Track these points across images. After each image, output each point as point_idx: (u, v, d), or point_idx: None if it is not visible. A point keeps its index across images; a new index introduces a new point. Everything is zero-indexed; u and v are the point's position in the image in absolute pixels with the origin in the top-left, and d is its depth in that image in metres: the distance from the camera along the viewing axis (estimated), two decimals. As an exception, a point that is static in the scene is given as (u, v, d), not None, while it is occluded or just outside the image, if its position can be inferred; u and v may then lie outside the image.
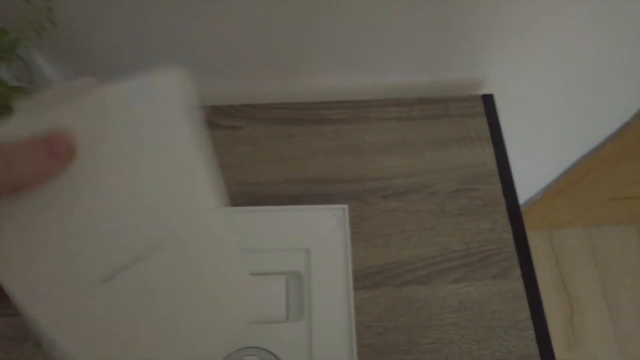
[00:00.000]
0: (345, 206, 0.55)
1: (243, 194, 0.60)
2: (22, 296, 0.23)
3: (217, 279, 0.30)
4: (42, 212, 0.24)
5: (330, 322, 0.51)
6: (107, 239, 0.25)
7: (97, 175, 0.25)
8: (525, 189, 1.22)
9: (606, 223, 1.60)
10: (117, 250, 0.26)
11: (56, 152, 0.23)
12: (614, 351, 1.48)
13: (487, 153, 0.63)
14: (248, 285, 0.32)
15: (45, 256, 0.24)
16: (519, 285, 0.57)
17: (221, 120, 0.64)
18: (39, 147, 0.23)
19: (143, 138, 0.26)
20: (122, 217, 0.26)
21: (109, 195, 0.25)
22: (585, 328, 1.50)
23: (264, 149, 0.63)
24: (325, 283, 0.52)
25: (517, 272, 0.58)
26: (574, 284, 1.55)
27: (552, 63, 0.69)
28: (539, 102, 0.79)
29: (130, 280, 0.26)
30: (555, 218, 1.47)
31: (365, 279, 0.57)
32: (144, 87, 0.26)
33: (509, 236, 0.59)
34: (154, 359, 0.28)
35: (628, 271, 1.56)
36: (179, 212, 0.28)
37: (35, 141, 0.23)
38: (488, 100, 0.66)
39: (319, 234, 0.54)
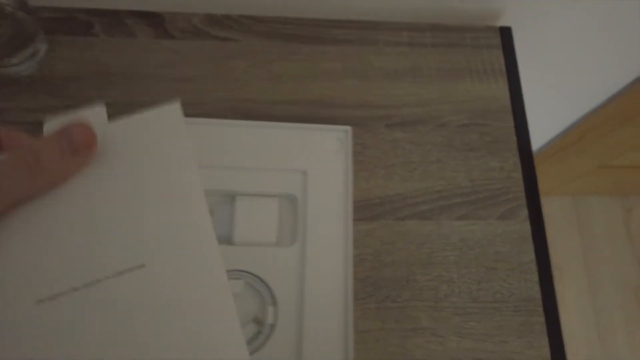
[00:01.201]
0: (349, 128, 0.50)
1: (235, 111, 0.55)
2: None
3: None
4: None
5: (325, 251, 0.47)
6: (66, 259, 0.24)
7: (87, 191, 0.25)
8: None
9: (592, 193, 1.58)
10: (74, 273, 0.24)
11: (77, 144, 0.24)
12: (591, 321, 1.48)
13: (501, 88, 0.59)
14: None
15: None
16: (525, 227, 0.54)
17: (215, 30, 0.58)
18: (62, 140, 0.24)
19: (144, 167, 0.26)
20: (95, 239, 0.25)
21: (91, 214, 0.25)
22: (564, 297, 1.50)
23: (261, 65, 0.58)
24: (321, 209, 0.48)
25: (524, 213, 0.54)
26: (556, 252, 1.55)
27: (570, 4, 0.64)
28: (543, 52, 0.75)
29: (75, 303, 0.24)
30: (543, 184, 1.45)
31: (365, 210, 0.53)
32: (149, 119, 0.27)
33: (518, 175, 0.56)
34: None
35: (609, 243, 1.56)
36: (163, 247, 0.25)
37: (57, 135, 0.24)
38: (506, 33, 0.61)
39: (318, 156, 0.49)
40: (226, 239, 0.47)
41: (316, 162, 0.49)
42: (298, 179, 0.49)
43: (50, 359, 0.23)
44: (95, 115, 0.26)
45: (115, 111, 0.28)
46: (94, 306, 0.24)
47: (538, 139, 1.12)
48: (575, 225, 1.59)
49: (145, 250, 0.25)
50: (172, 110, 0.27)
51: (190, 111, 0.53)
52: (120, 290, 0.24)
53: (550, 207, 1.59)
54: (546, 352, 0.50)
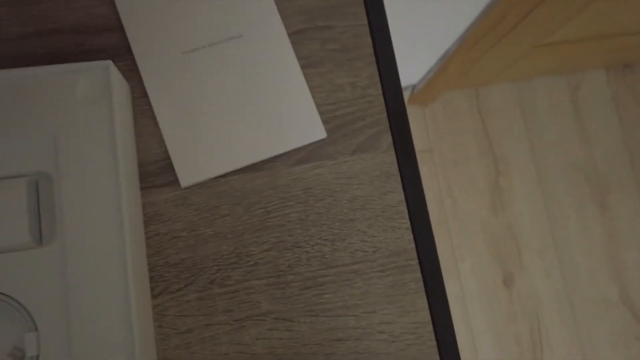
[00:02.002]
0: (109, 62, 0.35)
1: (-26, 61, 0.39)
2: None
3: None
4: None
5: (95, 242, 0.34)
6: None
7: None
8: (437, 41, 1.04)
9: (535, 75, 1.46)
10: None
11: None
12: (540, 211, 1.42)
13: (344, -27, 0.43)
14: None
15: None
16: (388, 158, 0.41)
17: None
18: None
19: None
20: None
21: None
22: (512, 189, 1.42)
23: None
24: (81, 184, 0.34)
25: (387, 140, 0.41)
26: (500, 144, 1.45)
27: None
28: None
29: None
30: (479, 73, 1.32)
31: (161, 173, 0.39)
32: None
33: (376, 91, 0.42)
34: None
35: (556, 126, 1.46)
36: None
37: None
38: None
39: (70, 110, 0.35)
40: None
41: (67, 119, 0.35)
42: (48, 148, 0.34)
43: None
44: None
45: None
46: (215, 62, 0.40)
47: (459, 23, 0.97)
48: (519, 112, 1.48)
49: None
50: None
51: None
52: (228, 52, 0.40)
53: (490, 98, 1.47)
54: (425, 315, 0.39)
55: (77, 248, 0.33)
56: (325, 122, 0.41)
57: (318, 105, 0.41)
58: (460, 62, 1.16)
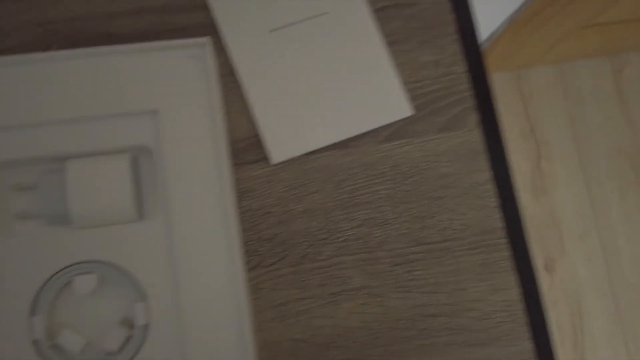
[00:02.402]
0: (207, 39, 0.35)
1: (56, 37, 0.40)
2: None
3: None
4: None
5: (199, 215, 0.35)
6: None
7: None
8: (487, 21, 1.02)
9: (578, 57, 1.43)
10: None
11: None
12: (582, 195, 1.40)
13: (429, -51, 0.43)
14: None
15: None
16: (475, 136, 0.41)
17: None
18: None
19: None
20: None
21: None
22: (554, 173, 1.40)
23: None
24: (185, 159, 0.35)
25: (473, 118, 0.41)
26: (542, 127, 1.43)
27: None
28: None
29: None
30: (523, 55, 1.29)
31: (251, 150, 0.39)
32: None
33: (461, 69, 0.42)
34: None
35: (600, 109, 1.44)
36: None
37: None
38: None
39: (169, 86, 0.35)
40: (62, 221, 0.34)
41: (168, 95, 0.35)
42: (148, 122, 0.35)
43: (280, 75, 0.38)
44: None
45: None
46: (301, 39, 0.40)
47: (506, 7, 0.96)
48: (562, 94, 1.46)
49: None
50: None
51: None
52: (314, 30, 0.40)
53: (532, 80, 1.45)
54: (515, 293, 0.39)
55: (181, 220, 0.34)
56: (410, 100, 0.41)
57: (403, 83, 0.41)
58: (507, 43, 1.14)
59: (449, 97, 0.41)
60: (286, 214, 0.39)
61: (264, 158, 0.39)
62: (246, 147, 0.39)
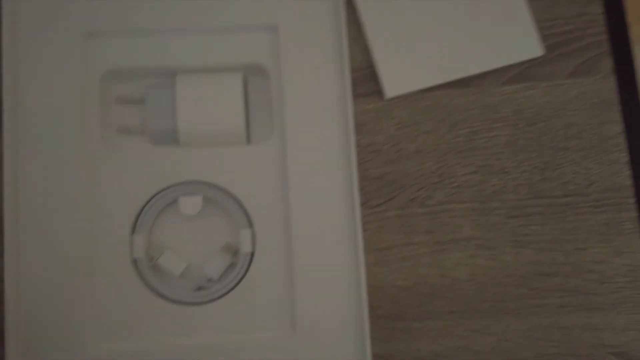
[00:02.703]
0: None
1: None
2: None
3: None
4: None
5: (315, 143, 0.32)
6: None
7: None
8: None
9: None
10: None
11: None
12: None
13: None
14: None
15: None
16: (608, 85, 0.37)
17: None
18: None
19: None
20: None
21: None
22: None
23: None
24: (304, 82, 0.32)
25: (607, 65, 0.37)
26: None
27: None
28: None
29: None
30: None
31: (364, 82, 0.37)
32: None
33: (597, 9, 0.38)
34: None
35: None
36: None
37: None
38: None
39: (291, 0, 0.33)
40: (169, 139, 0.32)
41: (290, 10, 0.32)
42: (264, 39, 0.32)
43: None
44: None
45: None
46: None
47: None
48: None
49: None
50: None
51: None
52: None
53: None
54: (640, 258, 0.36)
55: (296, 146, 0.32)
56: (540, 39, 0.37)
57: (533, 21, 0.37)
58: None
59: (582, 40, 0.37)
60: (397, 154, 0.36)
61: (376, 92, 0.37)
62: (358, 79, 0.37)
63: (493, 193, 0.36)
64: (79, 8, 0.31)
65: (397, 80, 0.36)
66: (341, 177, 0.32)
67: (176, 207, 0.32)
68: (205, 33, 0.33)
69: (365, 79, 0.37)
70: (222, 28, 0.32)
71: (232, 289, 0.31)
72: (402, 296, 0.35)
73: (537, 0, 0.37)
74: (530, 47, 0.37)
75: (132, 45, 0.32)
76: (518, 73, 0.37)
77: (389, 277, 0.35)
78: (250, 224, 0.32)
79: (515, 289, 0.35)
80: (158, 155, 0.32)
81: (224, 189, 0.32)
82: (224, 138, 0.32)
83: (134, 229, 0.31)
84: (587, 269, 0.36)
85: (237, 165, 0.32)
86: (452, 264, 0.36)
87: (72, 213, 0.31)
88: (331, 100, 0.32)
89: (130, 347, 0.30)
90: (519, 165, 0.36)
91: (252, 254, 0.32)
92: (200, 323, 0.31)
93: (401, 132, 0.36)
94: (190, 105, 0.31)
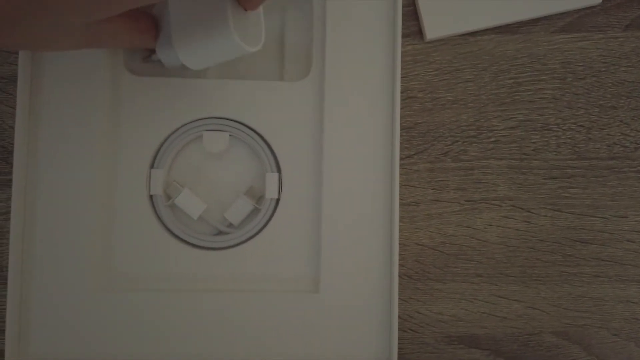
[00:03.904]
0: None
1: None
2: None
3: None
4: None
5: (354, 81, 0.29)
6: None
7: None
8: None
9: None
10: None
11: None
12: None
13: None
14: None
15: None
16: (668, 41, 0.34)
17: None
18: None
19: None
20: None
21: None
22: None
23: None
24: (349, 15, 0.29)
25: (668, 19, 0.34)
26: None
27: None
28: None
29: None
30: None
31: (408, 20, 0.33)
32: None
33: (664, -43, 0.34)
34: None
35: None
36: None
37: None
38: None
39: None
40: (194, 69, 0.29)
41: None
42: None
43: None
44: None
45: None
46: None
47: None
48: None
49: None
50: None
51: None
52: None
53: None
54: (684, 230, 0.33)
55: (335, 85, 0.29)
56: (596, -14, 0.34)
57: (589, -34, 0.34)
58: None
59: (645, -11, 0.34)
60: (432, 102, 0.33)
61: (415, 32, 0.33)
62: (395, 17, 0.33)
63: (533, 151, 0.33)
64: None
65: (439, 21, 0.33)
66: (380, 124, 0.29)
67: (200, 144, 0.29)
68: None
69: (405, 17, 0.33)
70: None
71: (253, 236, 0.29)
72: (426, 255, 0.33)
73: (599, -60, 0.34)
74: (588, -8, 0.33)
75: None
76: (571, 22, 0.34)
77: (413, 234, 0.33)
78: (278, 169, 0.29)
79: (548, 255, 0.33)
80: (184, 88, 0.29)
81: (252, 128, 0.29)
82: (247, 71, 0.29)
83: (152, 164, 0.29)
84: (626, 238, 0.33)
85: (269, 104, 0.29)
86: (483, 224, 0.33)
87: (94, 144, 0.28)
88: (377, 40, 0.29)
89: (143, 288, 0.28)
90: (563, 122, 0.33)
91: (278, 201, 0.29)
92: (216, 269, 0.29)
93: (439, 79, 0.33)
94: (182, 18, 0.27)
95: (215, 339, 0.28)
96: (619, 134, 0.34)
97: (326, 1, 0.29)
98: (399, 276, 0.32)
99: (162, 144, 0.29)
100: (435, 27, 0.33)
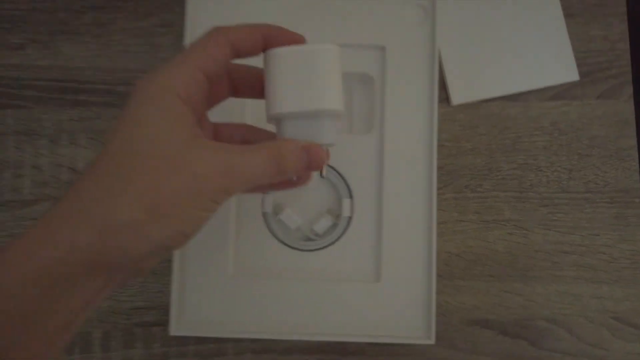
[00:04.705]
0: (433, -7, 0.42)
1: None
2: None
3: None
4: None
5: (406, 137, 0.42)
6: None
7: None
8: None
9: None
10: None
11: (313, 163, 0.28)
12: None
13: None
14: None
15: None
16: (628, 107, 0.47)
17: None
18: (304, 154, 0.27)
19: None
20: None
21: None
22: None
23: None
24: (401, 90, 0.42)
25: (628, 91, 0.47)
26: None
27: None
28: None
29: None
30: None
31: (438, 90, 0.46)
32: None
33: (624, 46, 0.47)
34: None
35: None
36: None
37: (302, 148, 0.27)
38: None
39: (398, 29, 0.42)
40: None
41: (396, 35, 0.42)
42: (374, 56, 0.42)
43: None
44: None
45: None
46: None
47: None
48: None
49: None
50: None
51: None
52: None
53: None
54: (640, 245, 0.46)
55: (391, 138, 0.42)
56: (576, 67, 0.47)
57: (572, 52, 0.47)
58: None
59: (611, 70, 0.47)
60: (457, 149, 0.46)
61: (444, 99, 0.46)
62: (430, 88, 0.46)
63: (530, 186, 0.46)
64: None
65: (461, 91, 0.46)
66: (422, 165, 0.42)
67: (296, 177, 0.42)
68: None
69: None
70: (344, 44, 0.42)
71: (333, 243, 0.41)
72: (452, 260, 0.45)
73: (576, 35, 0.47)
74: (569, 72, 0.46)
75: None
76: (557, 93, 0.47)
77: (444, 245, 0.45)
78: (351, 196, 0.42)
79: (541, 262, 0.45)
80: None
81: (334, 167, 0.42)
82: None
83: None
84: (598, 251, 0.46)
85: (344, 150, 0.42)
86: (494, 238, 0.46)
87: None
88: (422, 105, 0.42)
89: (258, 275, 0.41)
90: (551, 165, 0.46)
91: (350, 218, 0.42)
92: (307, 265, 0.41)
93: (462, 133, 0.46)
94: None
95: (305, 316, 0.41)
96: (593, 175, 0.46)
97: (385, 78, 0.42)
98: (432, 275, 0.44)
99: (271, 178, 0.42)
100: (458, 95, 0.46)
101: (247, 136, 0.32)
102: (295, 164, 0.26)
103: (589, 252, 0.46)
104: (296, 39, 0.28)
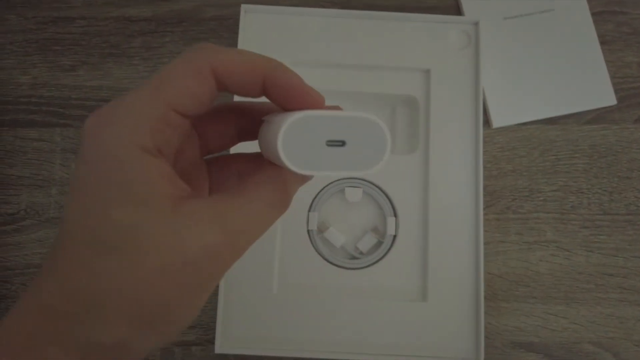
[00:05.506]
0: (478, 20, 0.43)
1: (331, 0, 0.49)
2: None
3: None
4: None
5: (451, 158, 0.43)
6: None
7: None
8: None
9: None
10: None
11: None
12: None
13: (645, -33, 0.50)
14: None
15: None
16: (665, 131, 0.47)
17: None
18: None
19: None
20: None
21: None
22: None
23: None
24: (446, 112, 0.43)
25: (665, 116, 0.48)
26: None
27: None
28: None
29: None
30: None
31: (484, 112, 0.47)
32: None
33: (660, 72, 0.48)
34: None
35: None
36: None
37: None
38: None
39: (442, 53, 0.43)
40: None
41: (440, 59, 0.43)
42: (419, 78, 0.43)
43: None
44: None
45: None
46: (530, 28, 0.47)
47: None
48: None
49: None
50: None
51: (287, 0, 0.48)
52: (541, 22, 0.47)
53: None
54: (684, 268, 0.45)
55: (436, 159, 0.42)
56: (614, 91, 0.48)
57: (610, 78, 0.48)
58: None
59: (647, 95, 0.48)
60: (497, 171, 0.47)
61: (485, 122, 0.47)
62: (470, 111, 0.47)
63: (571, 207, 0.46)
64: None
65: (501, 115, 0.47)
66: (467, 186, 0.42)
67: (342, 196, 0.42)
68: (377, 69, 0.43)
69: (475, 111, 0.47)
70: (390, 67, 0.43)
71: (377, 261, 0.42)
72: (495, 282, 0.45)
73: (613, 61, 0.48)
74: (607, 97, 0.47)
75: (316, 72, 0.43)
76: (595, 116, 0.48)
77: (486, 266, 0.45)
78: (395, 214, 0.42)
79: (585, 284, 0.45)
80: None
81: (378, 185, 0.42)
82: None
83: (310, 208, 0.42)
84: (641, 273, 0.45)
85: (389, 170, 0.42)
86: (536, 260, 0.45)
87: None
88: (465, 126, 0.43)
89: (303, 293, 0.41)
90: (592, 188, 0.47)
91: (394, 237, 0.42)
92: (352, 284, 0.41)
93: (502, 155, 0.47)
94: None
95: (349, 334, 0.40)
96: (633, 197, 0.47)
97: (429, 100, 0.43)
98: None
99: (316, 195, 0.42)
100: (499, 119, 0.47)
101: (243, 170, 0.26)
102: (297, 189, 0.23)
103: (632, 274, 0.45)
104: (314, 102, 0.21)
